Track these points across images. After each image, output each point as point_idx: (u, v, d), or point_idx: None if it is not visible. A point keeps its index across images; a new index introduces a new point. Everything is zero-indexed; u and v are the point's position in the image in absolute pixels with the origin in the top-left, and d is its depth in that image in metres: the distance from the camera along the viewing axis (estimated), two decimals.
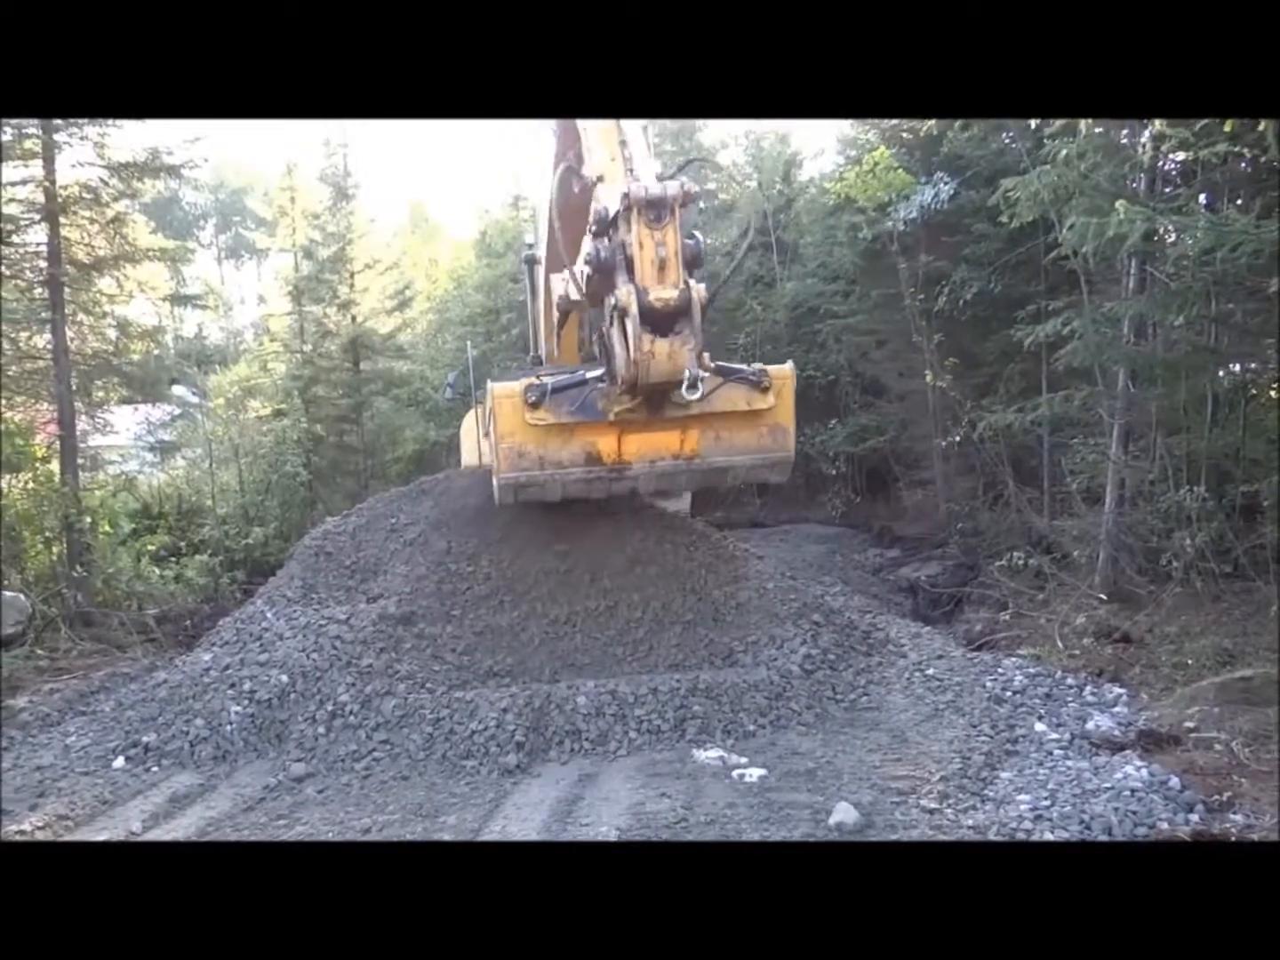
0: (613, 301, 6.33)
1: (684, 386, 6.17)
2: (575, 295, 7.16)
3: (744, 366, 7.45)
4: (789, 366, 7.62)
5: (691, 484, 9.12)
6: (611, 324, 6.45)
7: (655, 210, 6.04)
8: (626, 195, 6.05)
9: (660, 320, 6.12)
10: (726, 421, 7.24)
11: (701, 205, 21.33)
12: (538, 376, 7.43)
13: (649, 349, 6.13)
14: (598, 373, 7.03)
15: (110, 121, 11.38)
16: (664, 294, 6.13)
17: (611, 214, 6.42)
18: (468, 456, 11.90)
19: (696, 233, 6.81)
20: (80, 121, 11.29)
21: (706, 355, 6.50)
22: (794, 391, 7.59)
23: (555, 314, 10.47)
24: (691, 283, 6.27)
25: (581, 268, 6.91)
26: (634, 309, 6.07)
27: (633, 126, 7.02)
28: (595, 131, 7.03)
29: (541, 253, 10.85)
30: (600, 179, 6.82)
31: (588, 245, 6.74)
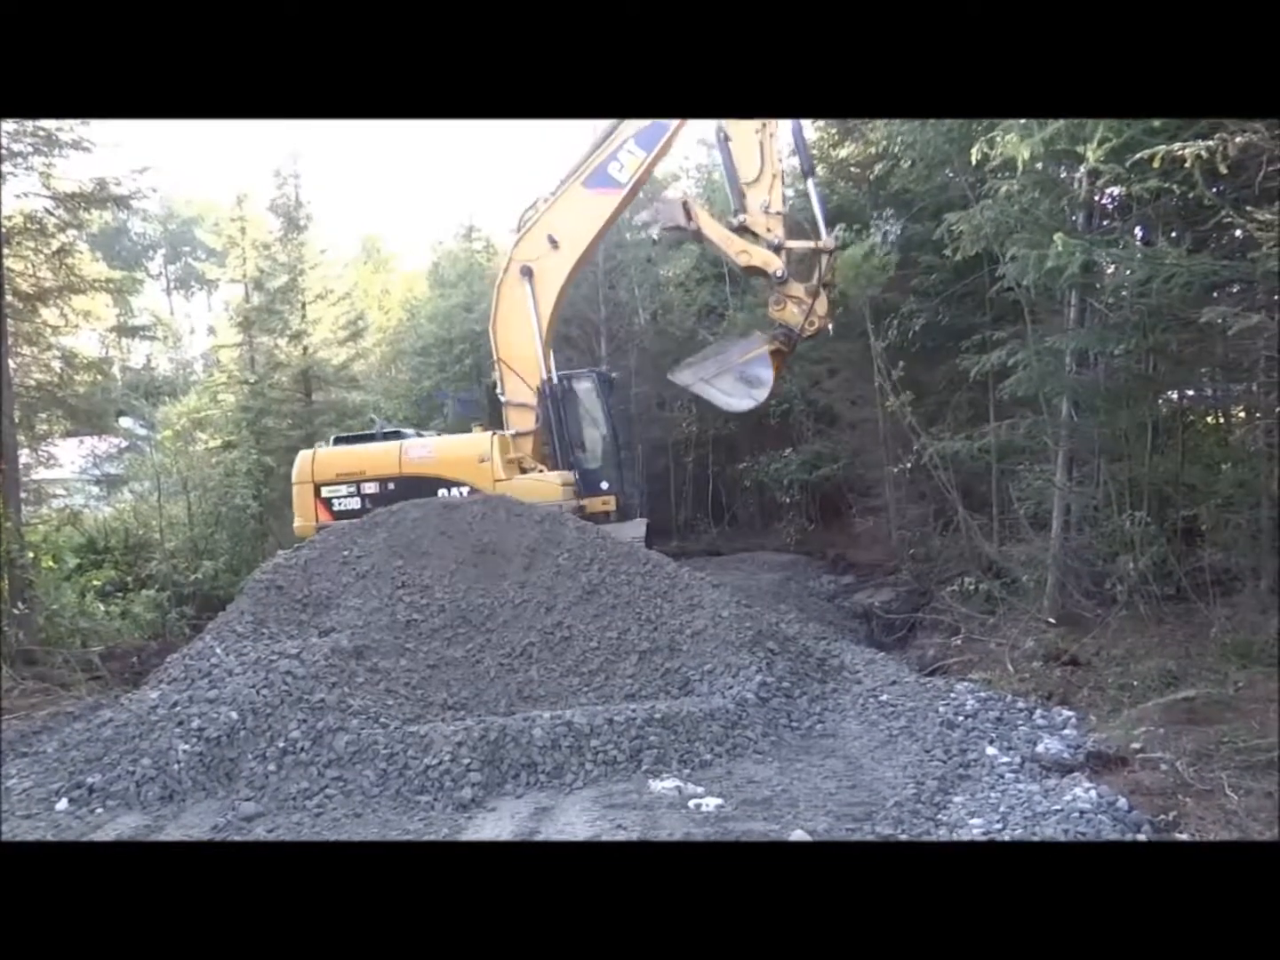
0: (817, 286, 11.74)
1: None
2: (774, 267, 11.91)
3: None
4: None
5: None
6: (784, 305, 11.94)
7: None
8: (826, 251, 11.64)
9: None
10: None
11: (655, 238, 21.53)
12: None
13: (824, 311, 11.82)
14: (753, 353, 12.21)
15: (57, 151, 11.26)
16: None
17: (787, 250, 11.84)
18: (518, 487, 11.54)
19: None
20: (25, 151, 11.16)
21: None
22: None
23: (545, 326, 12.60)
24: None
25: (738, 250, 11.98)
26: (824, 294, 11.73)
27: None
28: (748, 137, 11.65)
29: (548, 264, 12.44)
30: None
31: (764, 256, 11.79)
